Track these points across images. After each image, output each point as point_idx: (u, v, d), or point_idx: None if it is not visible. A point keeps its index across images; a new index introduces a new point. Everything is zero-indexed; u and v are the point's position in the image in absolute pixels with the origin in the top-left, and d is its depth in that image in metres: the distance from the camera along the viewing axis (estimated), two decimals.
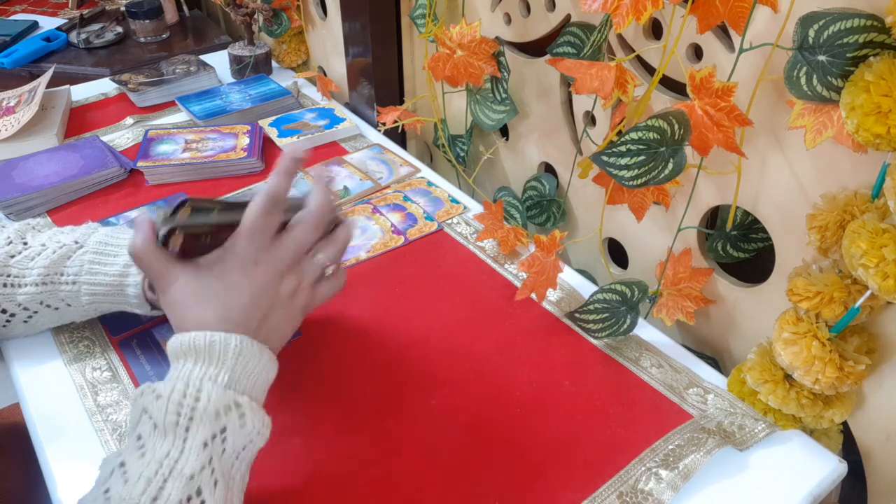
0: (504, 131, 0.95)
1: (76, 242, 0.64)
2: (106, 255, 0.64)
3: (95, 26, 1.45)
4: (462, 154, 0.99)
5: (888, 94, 0.44)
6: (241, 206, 0.55)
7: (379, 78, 1.05)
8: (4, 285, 0.62)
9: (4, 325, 0.65)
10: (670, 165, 0.57)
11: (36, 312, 0.64)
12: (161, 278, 0.52)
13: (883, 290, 0.47)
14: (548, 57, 0.77)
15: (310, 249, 0.56)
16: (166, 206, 0.59)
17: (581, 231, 0.87)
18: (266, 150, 0.99)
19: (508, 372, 0.65)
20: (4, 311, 0.63)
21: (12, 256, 0.63)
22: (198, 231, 0.53)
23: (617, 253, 0.83)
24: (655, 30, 0.68)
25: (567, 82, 0.81)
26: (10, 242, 0.64)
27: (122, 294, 0.64)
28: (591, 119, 0.78)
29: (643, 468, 0.56)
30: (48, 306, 0.64)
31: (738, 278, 0.69)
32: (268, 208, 0.52)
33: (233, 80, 1.21)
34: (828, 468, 0.58)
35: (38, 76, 1.08)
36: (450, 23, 0.90)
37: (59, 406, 0.62)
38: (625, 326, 0.67)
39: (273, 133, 1.02)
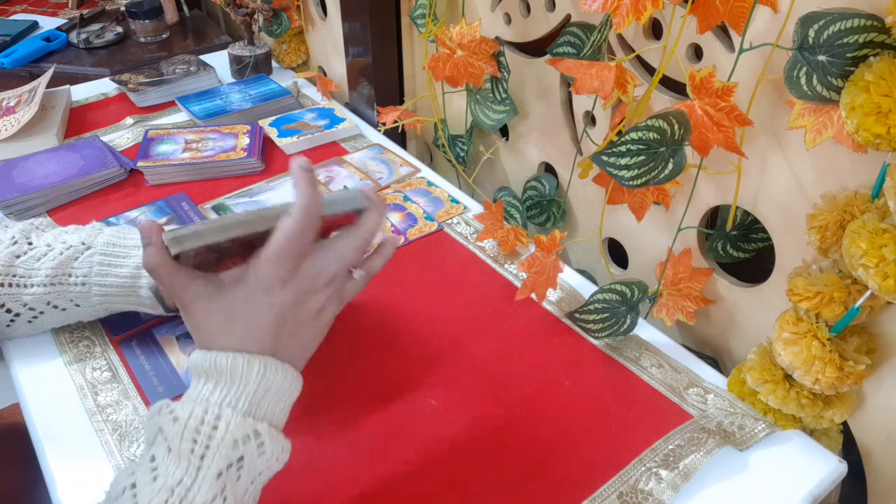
0: (504, 131, 0.95)
1: (83, 243, 0.64)
2: (115, 256, 0.64)
3: (95, 26, 1.45)
4: (462, 154, 0.99)
5: (888, 94, 0.44)
6: (262, 218, 0.51)
7: (379, 78, 1.05)
8: (10, 285, 0.62)
9: (8, 325, 0.65)
10: (670, 165, 0.57)
11: (42, 313, 0.64)
12: (182, 295, 0.49)
13: (883, 290, 0.47)
14: (548, 57, 0.77)
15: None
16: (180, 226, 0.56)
17: (581, 231, 0.87)
18: (266, 150, 0.99)
19: (508, 372, 0.65)
20: (9, 311, 0.63)
21: (17, 256, 0.63)
22: (213, 246, 0.50)
23: (617, 253, 0.83)
24: (655, 30, 0.68)
25: (567, 82, 0.81)
26: (16, 242, 0.64)
27: (136, 295, 0.64)
28: (591, 119, 0.78)
29: (643, 468, 0.56)
30: (55, 307, 0.64)
31: (738, 278, 0.69)
32: (303, 227, 0.47)
33: (233, 80, 1.21)
34: (828, 468, 0.58)
35: (38, 76, 1.08)
36: (450, 23, 0.90)
37: (59, 406, 0.62)
38: (625, 326, 0.67)
39: (273, 133, 1.02)
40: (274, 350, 0.48)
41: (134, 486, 0.43)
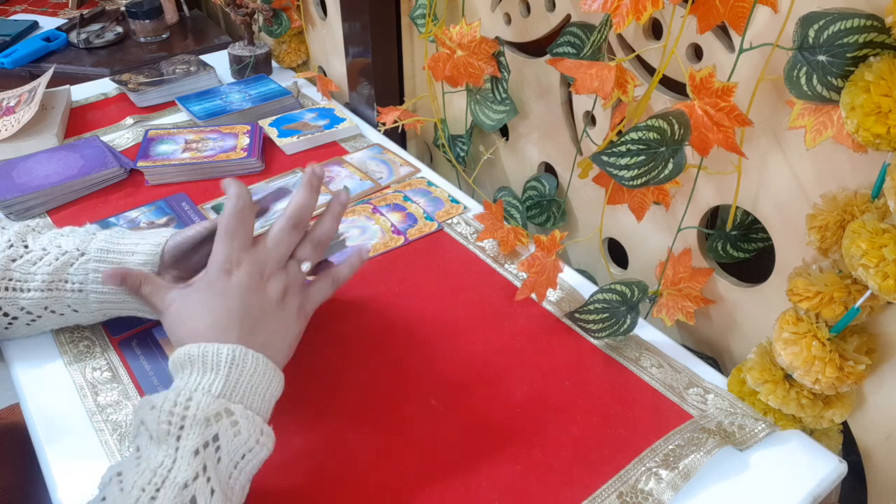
0: (504, 131, 0.95)
1: (77, 249, 0.63)
2: (109, 262, 0.63)
3: (95, 26, 1.45)
4: (462, 154, 0.99)
5: (888, 94, 0.44)
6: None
7: (379, 78, 1.05)
8: (7, 289, 0.62)
9: (6, 328, 0.64)
10: (670, 165, 0.57)
11: (39, 317, 0.64)
12: (160, 307, 0.56)
13: (883, 290, 0.47)
14: (548, 57, 0.77)
15: (293, 251, 0.57)
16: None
17: (581, 231, 0.87)
18: (266, 150, 0.99)
19: (508, 372, 0.65)
20: (6, 315, 0.63)
21: (13, 260, 0.63)
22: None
23: (617, 253, 0.83)
24: (655, 30, 0.68)
25: (567, 82, 0.81)
26: (11, 246, 0.63)
27: (135, 300, 0.63)
28: (591, 119, 0.78)
29: (643, 468, 0.56)
30: (52, 311, 0.64)
31: (738, 278, 0.69)
32: (236, 211, 0.54)
33: (233, 80, 1.21)
34: (828, 468, 0.58)
35: (38, 76, 1.08)
36: (450, 23, 0.90)
37: (59, 406, 0.62)
38: (625, 326, 0.67)
39: (273, 133, 1.02)
40: (242, 339, 0.52)
41: (120, 474, 0.45)
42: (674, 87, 0.67)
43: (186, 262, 0.65)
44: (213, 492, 0.44)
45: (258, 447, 0.49)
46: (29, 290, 0.62)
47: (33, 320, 0.64)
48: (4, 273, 0.62)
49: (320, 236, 0.60)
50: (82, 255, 0.63)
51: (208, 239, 0.64)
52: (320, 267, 0.65)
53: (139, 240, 0.64)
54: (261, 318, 0.53)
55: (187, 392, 0.47)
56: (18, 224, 0.67)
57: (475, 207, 0.89)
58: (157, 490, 0.43)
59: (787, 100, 0.55)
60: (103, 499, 0.43)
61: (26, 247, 0.64)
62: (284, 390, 0.64)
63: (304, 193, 0.58)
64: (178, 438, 0.45)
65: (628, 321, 0.67)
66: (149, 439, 0.46)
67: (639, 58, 0.71)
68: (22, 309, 0.63)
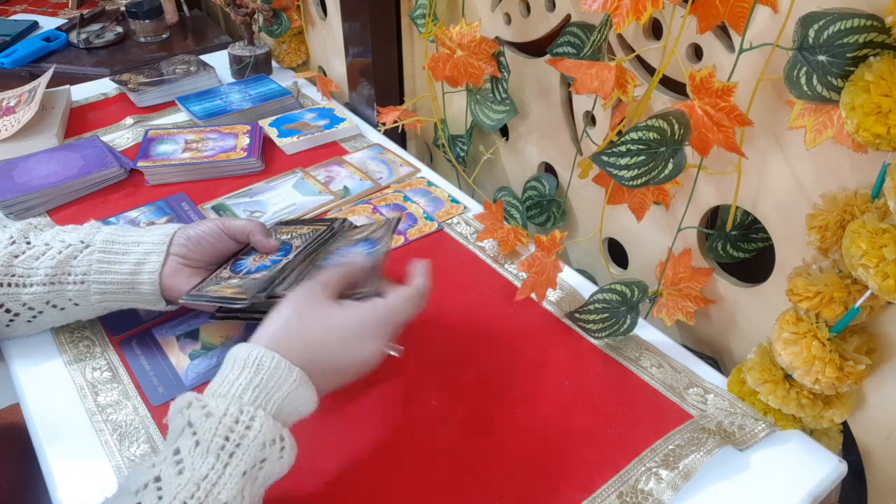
0: (504, 131, 0.95)
1: (81, 242, 0.64)
2: (114, 253, 0.64)
3: (95, 26, 1.45)
4: (462, 154, 0.99)
5: (888, 94, 0.44)
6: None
7: (379, 78, 1.05)
8: (9, 285, 0.62)
9: (7, 325, 0.64)
10: (670, 165, 0.57)
11: (41, 312, 0.64)
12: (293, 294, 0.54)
13: (883, 290, 0.47)
14: (548, 57, 0.77)
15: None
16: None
17: (581, 231, 0.87)
18: (266, 150, 0.99)
19: (509, 372, 0.65)
20: (8, 311, 0.63)
21: (16, 256, 0.63)
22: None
23: (617, 253, 0.83)
24: (655, 30, 0.68)
25: (567, 82, 0.81)
26: (14, 242, 0.64)
27: (136, 291, 0.64)
28: (591, 119, 0.78)
29: (643, 468, 0.56)
30: (54, 306, 0.64)
31: (738, 278, 0.69)
32: (415, 304, 0.57)
33: (233, 80, 1.21)
34: (828, 468, 0.58)
35: (38, 76, 1.08)
36: (450, 23, 0.90)
37: (59, 406, 0.62)
38: (625, 326, 0.67)
39: (273, 133, 1.02)
40: (311, 371, 0.50)
41: (158, 479, 0.43)
42: (674, 87, 0.67)
43: (198, 254, 0.65)
44: None
45: (287, 469, 0.49)
46: (31, 285, 0.62)
47: (34, 316, 0.64)
48: (7, 269, 0.62)
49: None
50: (87, 246, 0.64)
51: (219, 235, 0.66)
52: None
53: (145, 232, 0.65)
54: (339, 368, 0.52)
55: (249, 410, 0.46)
56: (20, 222, 0.67)
57: (475, 207, 0.89)
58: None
59: (787, 100, 0.55)
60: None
61: (28, 243, 0.64)
62: None
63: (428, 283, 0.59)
64: (231, 455, 0.44)
65: (628, 321, 0.67)
66: (194, 445, 0.44)
67: (639, 58, 0.71)
68: (24, 305, 0.63)
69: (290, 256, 0.65)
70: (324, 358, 0.51)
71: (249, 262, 0.66)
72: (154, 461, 0.44)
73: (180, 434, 0.45)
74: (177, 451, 0.44)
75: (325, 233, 0.69)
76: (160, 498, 0.42)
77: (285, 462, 0.47)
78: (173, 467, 0.43)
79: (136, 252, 0.64)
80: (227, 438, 0.44)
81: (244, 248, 0.69)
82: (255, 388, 0.47)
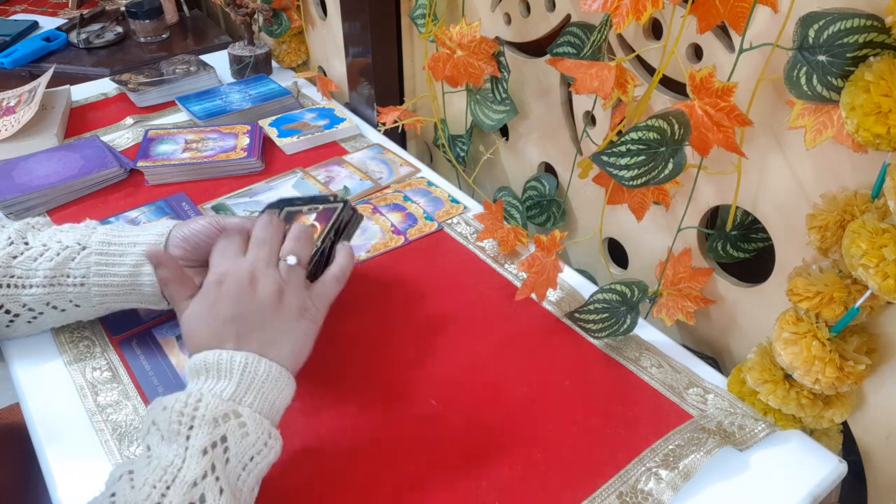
0: (504, 131, 0.95)
1: (78, 244, 0.64)
2: (111, 255, 0.63)
3: (95, 26, 1.45)
4: (462, 154, 0.99)
5: (888, 94, 0.44)
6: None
7: (379, 78, 1.05)
8: (8, 286, 0.62)
9: (7, 326, 0.64)
10: (670, 165, 0.57)
11: (41, 313, 0.64)
12: (178, 313, 0.57)
13: (883, 290, 0.47)
14: (548, 57, 0.77)
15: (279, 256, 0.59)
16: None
17: (581, 231, 0.87)
18: (266, 150, 0.99)
19: (508, 372, 0.65)
20: (8, 312, 0.63)
21: (14, 257, 0.63)
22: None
23: (617, 253, 0.83)
24: (655, 30, 0.68)
25: (567, 82, 0.81)
26: (12, 243, 0.64)
27: (137, 292, 0.64)
28: (591, 119, 0.78)
29: (643, 468, 0.56)
30: (54, 307, 0.64)
31: (738, 278, 0.69)
32: (230, 228, 0.62)
33: (233, 80, 1.21)
34: (828, 468, 0.58)
35: (38, 76, 1.08)
36: (450, 23, 0.90)
37: (59, 406, 0.62)
38: (625, 326, 0.67)
39: (273, 133, 1.02)
40: (240, 346, 0.53)
41: (131, 472, 0.45)
42: (674, 87, 0.67)
43: (194, 253, 0.65)
44: (221, 491, 0.45)
45: (266, 450, 0.49)
46: (31, 286, 0.62)
47: (35, 317, 0.64)
48: (6, 270, 0.62)
49: (297, 230, 0.61)
50: (83, 248, 0.64)
51: (215, 234, 0.65)
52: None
53: (141, 231, 0.65)
54: (257, 322, 0.54)
55: (197, 394, 0.48)
56: (18, 222, 0.67)
57: (475, 207, 0.89)
58: (168, 487, 0.43)
59: (787, 100, 0.55)
60: (112, 495, 0.44)
61: (26, 243, 0.64)
62: None
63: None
64: (188, 438, 0.46)
65: (628, 321, 0.67)
66: (160, 439, 0.47)
67: (639, 58, 0.71)
68: (24, 306, 0.63)
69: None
70: (238, 317, 0.53)
71: None
72: (130, 460, 0.48)
73: (147, 433, 0.48)
74: (148, 447, 0.47)
75: (340, 224, 0.69)
76: (132, 487, 0.44)
77: (254, 439, 0.48)
78: (144, 460, 0.46)
79: (133, 254, 0.63)
80: (179, 422, 0.46)
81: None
82: (207, 382, 0.50)
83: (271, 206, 0.70)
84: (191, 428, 0.46)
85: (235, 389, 0.49)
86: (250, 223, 0.63)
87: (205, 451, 0.45)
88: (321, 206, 0.70)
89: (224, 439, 0.47)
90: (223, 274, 0.56)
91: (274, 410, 0.51)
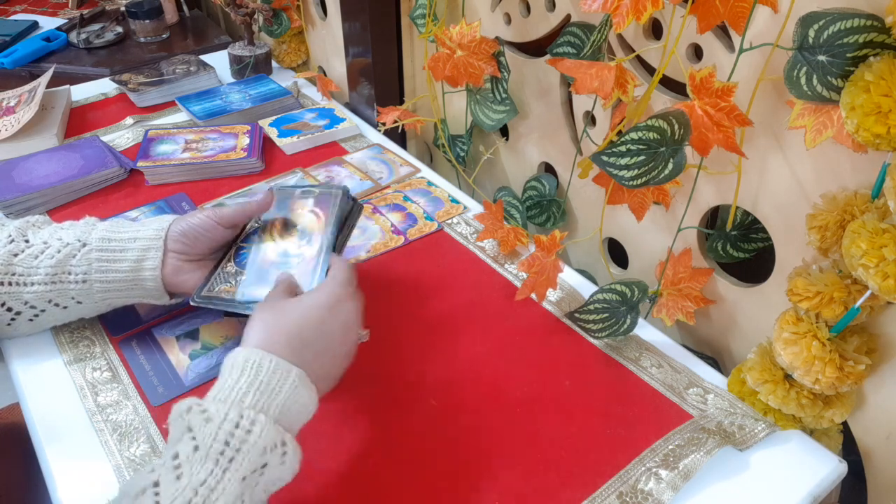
0: (504, 131, 0.95)
1: (78, 241, 0.64)
2: (112, 251, 0.64)
3: (95, 26, 1.45)
4: (462, 154, 0.99)
5: (888, 94, 0.44)
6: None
7: (379, 78, 1.05)
8: (10, 284, 0.62)
9: (9, 324, 0.64)
10: (670, 165, 0.57)
11: (43, 311, 0.64)
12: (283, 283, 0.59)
13: (883, 290, 0.47)
14: (548, 57, 0.77)
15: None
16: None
17: (581, 231, 0.87)
18: (266, 150, 0.99)
19: (508, 372, 0.65)
20: (10, 310, 0.63)
21: (15, 255, 0.63)
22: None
23: (617, 253, 0.83)
24: (655, 30, 0.68)
25: (567, 82, 0.81)
26: (12, 241, 0.64)
27: (139, 287, 0.64)
28: (591, 119, 0.78)
29: (643, 468, 0.56)
30: (56, 304, 0.64)
31: (738, 278, 0.69)
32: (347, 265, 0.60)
33: (233, 80, 1.21)
34: (828, 468, 0.58)
35: (38, 76, 1.08)
36: (450, 23, 0.90)
37: (59, 406, 0.62)
38: (625, 326, 0.67)
39: (273, 133, 1.02)
40: (305, 363, 0.51)
41: (157, 483, 0.42)
42: (674, 87, 0.67)
43: (193, 247, 0.65)
44: None
45: (290, 476, 0.48)
46: (32, 284, 0.62)
47: (36, 315, 0.64)
48: (7, 268, 0.62)
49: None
50: (84, 245, 0.64)
51: (213, 227, 0.66)
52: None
53: (140, 227, 0.65)
54: (328, 361, 0.54)
55: (250, 414, 0.45)
56: (18, 220, 0.67)
57: (475, 207, 0.89)
58: None
59: (787, 100, 0.55)
60: None
61: (27, 241, 0.64)
62: None
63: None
64: (231, 461, 0.43)
65: (628, 321, 0.67)
66: (193, 450, 0.43)
67: (639, 58, 0.71)
68: (26, 303, 0.63)
69: (316, 246, 0.66)
70: (311, 342, 0.52)
71: (252, 251, 0.67)
72: (153, 466, 0.44)
73: (179, 439, 0.44)
74: (175, 456, 0.43)
75: (342, 214, 0.69)
76: (157, 503, 0.41)
77: (287, 468, 0.47)
78: (171, 472, 0.43)
79: (133, 249, 0.63)
80: (226, 444, 0.44)
81: (241, 234, 0.69)
82: (255, 392, 0.47)
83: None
84: (237, 451, 0.44)
85: (281, 410, 0.47)
86: (250, 206, 0.67)
87: (244, 479, 0.43)
88: (318, 190, 0.70)
89: (264, 467, 0.45)
90: (339, 301, 0.56)
91: (298, 430, 0.50)
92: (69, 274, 0.63)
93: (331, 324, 0.54)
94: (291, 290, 0.60)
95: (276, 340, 0.51)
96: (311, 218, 0.68)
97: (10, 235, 0.64)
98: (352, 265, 0.60)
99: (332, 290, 0.56)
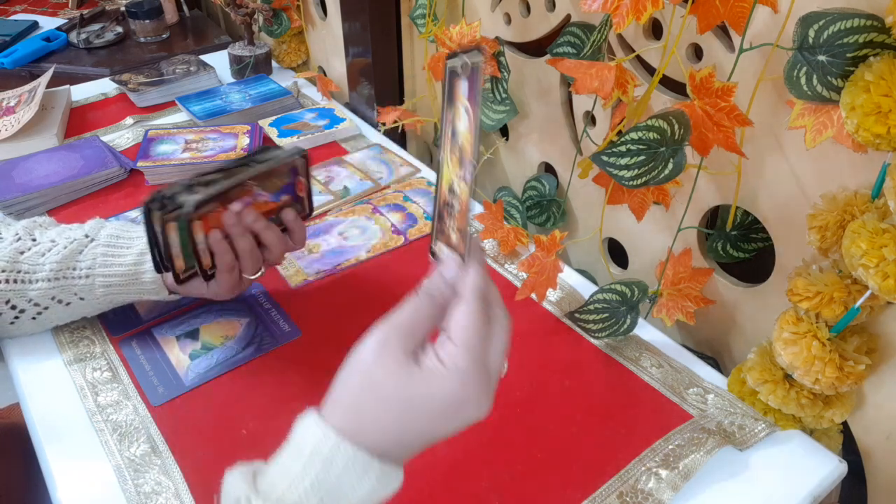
0: (504, 131, 0.95)
1: (86, 236, 0.65)
2: (118, 247, 0.64)
3: (95, 26, 1.45)
4: None
5: (888, 94, 0.44)
6: (240, 166, 0.61)
7: (379, 78, 1.05)
8: (15, 281, 0.63)
9: (12, 322, 0.65)
10: (670, 165, 0.57)
11: (46, 308, 0.64)
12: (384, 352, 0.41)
13: (883, 290, 0.47)
14: (548, 57, 0.77)
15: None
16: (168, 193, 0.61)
17: (581, 231, 0.87)
18: None
19: (508, 372, 0.65)
20: (14, 308, 0.64)
21: (22, 253, 0.63)
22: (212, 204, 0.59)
23: (617, 253, 0.83)
24: (655, 30, 0.68)
25: (567, 82, 0.81)
26: (19, 239, 0.64)
27: (139, 282, 0.65)
28: (591, 119, 0.78)
29: (643, 468, 0.56)
30: (59, 301, 0.64)
31: (738, 278, 0.69)
32: (483, 311, 0.41)
33: (233, 80, 1.21)
34: (828, 468, 0.58)
35: (38, 76, 1.08)
36: (450, 23, 0.90)
37: (59, 406, 0.62)
38: (625, 326, 0.67)
39: (273, 133, 1.02)
40: (394, 454, 0.40)
41: None
42: (674, 87, 0.67)
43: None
44: None
45: None
46: (37, 281, 0.63)
47: (39, 313, 0.65)
48: (13, 265, 0.63)
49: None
50: (91, 240, 0.65)
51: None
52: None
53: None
54: (431, 442, 0.42)
55: None
56: (24, 220, 0.68)
57: (475, 207, 0.89)
58: None
59: (787, 100, 0.55)
60: None
61: (34, 240, 0.65)
62: (283, 390, 0.64)
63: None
64: None
65: (628, 321, 0.67)
66: None
67: (639, 58, 0.71)
68: (30, 301, 0.64)
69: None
70: (410, 443, 0.41)
71: None
72: None
73: None
74: None
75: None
76: None
77: None
78: None
79: (138, 245, 0.65)
80: None
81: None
82: (322, 493, 0.37)
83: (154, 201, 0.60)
84: None
85: None
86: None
87: None
88: (258, 169, 0.63)
89: None
90: (474, 403, 0.40)
91: None
92: (73, 269, 0.64)
93: (448, 427, 0.41)
94: (418, 335, 0.41)
95: (365, 430, 0.39)
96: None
97: (17, 234, 0.65)
98: (509, 319, 0.44)
99: (470, 381, 0.39)
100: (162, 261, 0.61)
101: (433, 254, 0.45)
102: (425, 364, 0.39)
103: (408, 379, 0.39)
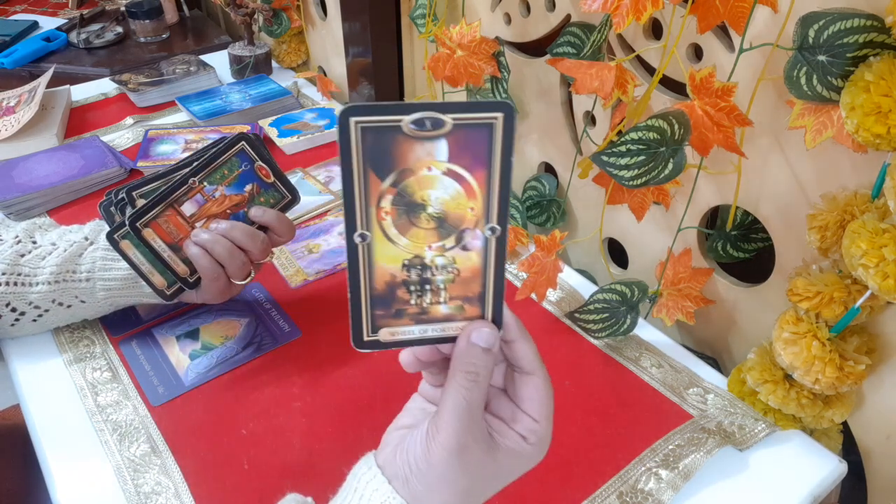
0: None
1: (86, 239, 0.65)
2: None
3: (95, 26, 1.45)
4: None
5: (888, 94, 0.44)
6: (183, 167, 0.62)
7: (379, 78, 1.05)
8: (16, 284, 0.62)
9: (13, 324, 0.65)
10: (670, 165, 0.57)
11: (47, 311, 0.64)
12: (462, 431, 0.38)
13: (883, 290, 0.47)
14: (548, 57, 0.77)
15: None
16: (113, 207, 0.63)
17: (581, 231, 0.87)
18: None
19: None
20: (14, 310, 0.64)
21: (22, 255, 0.63)
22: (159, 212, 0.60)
23: (617, 253, 0.83)
24: (655, 30, 0.68)
25: (567, 82, 0.81)
26: (20, 241, 0.64)
27: (139, 286, 0.64)
28: (591, 119, 0.78)
29: (643, 468, 0.56)
30: (60, 304, 0.64)
31: (738, 278, 0.69)
32: (549, 379, 0.40)
33: (233, 80, 1.21)
34: (828, 468, 0.58)
35: (38, 76, 1.08)
36: (450, 23, 0.90)
37: (59, 406, 0.62)
38: (625, 326, 0.67)
39: (273, 133, 1.02)
40: None
41: None
42: (674, 87, 0.67)
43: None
44: None
45: None
46: (38, 284, 0.63)
47: (40, 315, 0.65)
48: (13, 268, 0.62)
49: None
50: (91, 243, 0.64)
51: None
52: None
53: None
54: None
55: None
56: (25, 222, 0.67)
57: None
58: None
59: (787, 100, 0.55)
60: None
61: (34, 242, 0.65)
62: (283, 390, 0.64)
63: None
64: None
65: (628, 321, 0.67)
66: None
67: (639, 58, 0.71)
68: (30, 304, 0.63)
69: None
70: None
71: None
72: None
73: None
74: None
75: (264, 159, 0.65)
76: None
77: None
78: None
79: None
80: None
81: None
82: None
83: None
84: None
85: None
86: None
87: None
88: (220, 165, 0.63)
89: None
90: (530, 462, 0.40)
91: None
92: (74, 273, 0.63)
93: (509, 479, 0.41)
94: (481, 419, 0.39)
95: (426, 500, 0.38)
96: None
97: (17, 236, 0.65)
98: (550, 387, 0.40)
99: (548, 443, 0.40)
100: (147, 283, 0.62)
101: (373, 344, 0.39)
102: (507, 446, 0.39)
103: (496, 468, 0.39)
